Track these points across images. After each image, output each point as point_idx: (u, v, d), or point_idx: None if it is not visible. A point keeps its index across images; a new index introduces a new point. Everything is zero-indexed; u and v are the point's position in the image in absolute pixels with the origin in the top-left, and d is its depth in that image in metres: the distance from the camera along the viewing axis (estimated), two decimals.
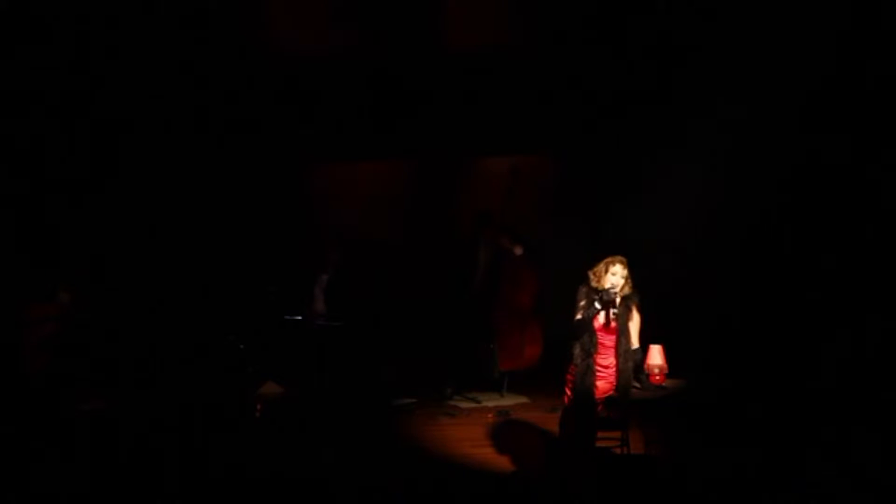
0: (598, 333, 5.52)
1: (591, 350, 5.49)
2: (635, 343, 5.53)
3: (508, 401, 8.45)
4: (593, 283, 5.54)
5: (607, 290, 5.45)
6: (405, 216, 10.40)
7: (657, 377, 5.81)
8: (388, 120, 9.63)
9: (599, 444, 5.71)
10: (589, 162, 9.68)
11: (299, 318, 8.83)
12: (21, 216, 9.01)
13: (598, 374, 5.50)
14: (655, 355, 5.88)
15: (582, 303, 5.55)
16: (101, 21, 8.60)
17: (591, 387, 5.47)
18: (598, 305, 5.46)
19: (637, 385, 5.62)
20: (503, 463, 6.40)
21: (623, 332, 5.48)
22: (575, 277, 5.66)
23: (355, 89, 9.51)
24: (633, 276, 5.56)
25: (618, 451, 5.85)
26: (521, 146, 9.76)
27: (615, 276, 5.50)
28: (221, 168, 9.77)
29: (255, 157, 9.89)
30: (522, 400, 8.48)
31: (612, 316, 5.47)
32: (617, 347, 5.49)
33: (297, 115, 9.63)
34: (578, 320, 5.52)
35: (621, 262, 5.54)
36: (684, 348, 6.15)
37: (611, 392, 5.54)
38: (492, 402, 8.42)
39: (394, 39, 9.16)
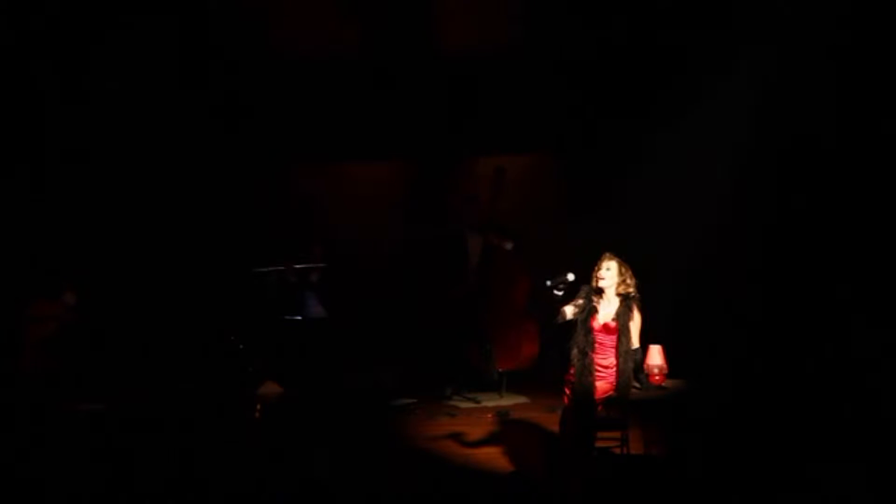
0: (598, 334, 5.53)
1: (586, 348, 5.50)
2: (636, 343, 5.54)
3: (508, 401, 8.45)
4: (594, 283, 5.57)
5: (564, 279, 5.48)
6: (404, 217, 10.40)
7: (657, 377, 5.81)
8: (386, 120, 9.64)
9: (599, 444, 5.71)
10: (588, 162, 9.68)
11: (299, 318, 8.85)
12: (22, 217, 9.02)
13: (598, 374, 5.50)
14: (655, 355, 5.89)
15: (580, 301, 5.57)
16: (99, 19, 8.60)
17: (590, 386, 5.47)
18: (548, 283, 5.49)
19: (637, 385, 5.62)
20: (503, 463, 6.40)
21: (624, 332, 5.48)
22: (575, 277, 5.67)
23: (354, 89, 9.51)
24: (636, 276, 5.58)
25: (618, 451, 5.85)
26: (519, 147, 9.77)
27: (609, 272, 5.54)
28: (217, 168, 9.78)
29: (251, 158, 9.89)
30: (522, 400, 8.49)
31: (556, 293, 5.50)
32: (618, 347, 5.49)
33: (294, 115, 9.63)
34: (575, 314, 5.54)
35: (615, 260, 5.57)
36: (684, 348, 6.15)
37: (611, 392, 5.54)
38: (492, 402, 8.43)
39: (393, 39, 9.16)
